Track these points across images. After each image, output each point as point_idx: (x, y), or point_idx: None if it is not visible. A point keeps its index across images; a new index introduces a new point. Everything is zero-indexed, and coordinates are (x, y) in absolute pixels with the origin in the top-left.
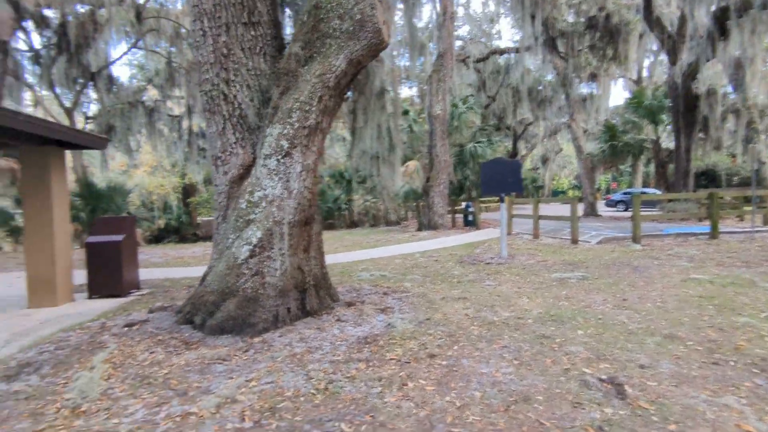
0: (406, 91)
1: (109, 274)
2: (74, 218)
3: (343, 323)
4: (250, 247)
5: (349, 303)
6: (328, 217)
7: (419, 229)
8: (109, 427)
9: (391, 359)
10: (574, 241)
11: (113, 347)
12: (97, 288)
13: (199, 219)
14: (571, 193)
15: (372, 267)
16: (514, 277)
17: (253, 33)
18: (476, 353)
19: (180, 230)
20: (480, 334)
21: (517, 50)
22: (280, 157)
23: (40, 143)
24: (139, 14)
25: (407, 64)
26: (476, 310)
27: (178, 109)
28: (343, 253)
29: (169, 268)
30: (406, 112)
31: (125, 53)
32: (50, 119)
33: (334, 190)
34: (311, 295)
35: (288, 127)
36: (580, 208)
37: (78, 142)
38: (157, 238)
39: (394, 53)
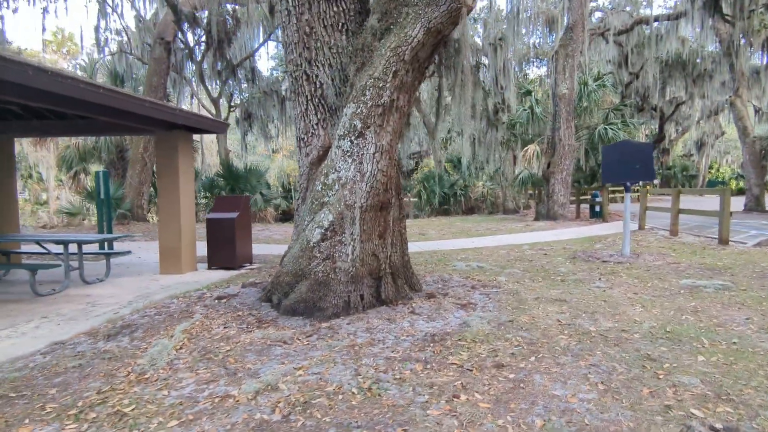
0: (534, 71)
1: (224, 247)
2: (215, 196)
3: (416, 316)
4: (322, 230)
5: (430, 294)
6: (444, 203)
7: (536, 219)
8: (158, 398)
9: (452, 364)
10: (723, 241)
11: (197, 318)
12: (215, 260)
13: None
14: (733, 183)
15: (472, 257)
16: (632, 280)
17: (335, 9)
18: (554, 369)
19: None
20: (567, 345)
21: (668, 17)
22: (353, 137)
23: (169, 128)
24: (272, 8)
25: (539, 40)
26: (572, 315)
27: None
28: (449, 240)
29: (285, 244)
30: (527, 92)
31: (260, 46)
32: (201, 110)
33: (452, 175)
34: (387, 284)
35: (361, 105)
36: (740, 202)
37: (200, 126)
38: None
39: (523, 30)
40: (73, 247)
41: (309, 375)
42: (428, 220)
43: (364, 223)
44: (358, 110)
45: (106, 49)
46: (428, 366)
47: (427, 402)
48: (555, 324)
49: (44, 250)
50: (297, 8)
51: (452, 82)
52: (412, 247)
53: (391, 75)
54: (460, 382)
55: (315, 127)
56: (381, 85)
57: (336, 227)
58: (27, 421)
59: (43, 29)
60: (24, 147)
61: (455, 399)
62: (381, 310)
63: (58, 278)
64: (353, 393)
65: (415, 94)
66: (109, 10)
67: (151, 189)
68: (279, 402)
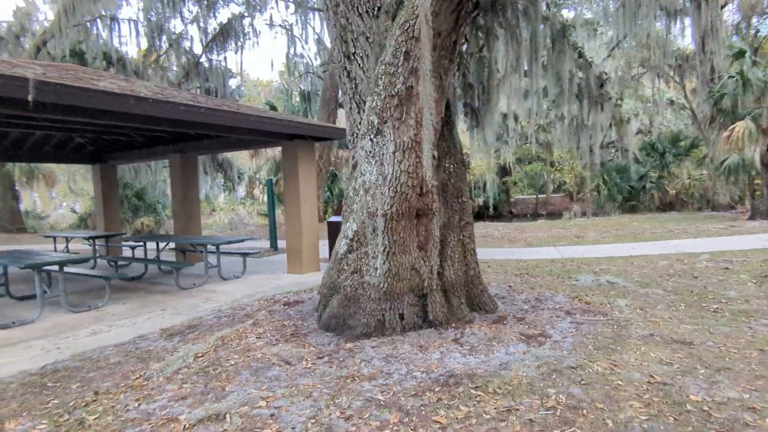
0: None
1: None
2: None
3: (457, 346)
4: (348, 241)
5: (499, 318)
6: (630, 198)
7: (751, 218)
8: (125, 410)
9: (436, 422)
10: None
11: (247, 324)
12: None
13: (514, 197)
14: None
15: (614, 268)
16: None
17: None
18: None
19: (498, 207)
20: (628, 420)
21: None
22: (372, 135)
23: (290, 138)
24: None
25: None
26: (681, 369)
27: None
28: (605, 245)
29: None
30: (739, 53)
31: None
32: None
33: (644, 165)
34: (434, 302)
35: (375, 97)
36: None
37: (317, 134)
38: (477, 215)
39: None
40: (228, 248)
41: (267, 408)
42: (603, 219)
43: (394, 233)
44: (374, 104)
45: (296, 72)
46: (406, 420)
47: None
48: (640, 380)
49: (198, 250)
50: (332, 0)
51: (516, 52)
52: (547, 253)
53: (402, 57)
54: None
55: (359, 126)
56: (392, 71)
57: (360, 237)
58: (24, 414)
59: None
60: (241, 158)
61: None
62: (423, 333)
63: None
64: None
65: (449, 77)
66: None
67: (327, 193)
68: None
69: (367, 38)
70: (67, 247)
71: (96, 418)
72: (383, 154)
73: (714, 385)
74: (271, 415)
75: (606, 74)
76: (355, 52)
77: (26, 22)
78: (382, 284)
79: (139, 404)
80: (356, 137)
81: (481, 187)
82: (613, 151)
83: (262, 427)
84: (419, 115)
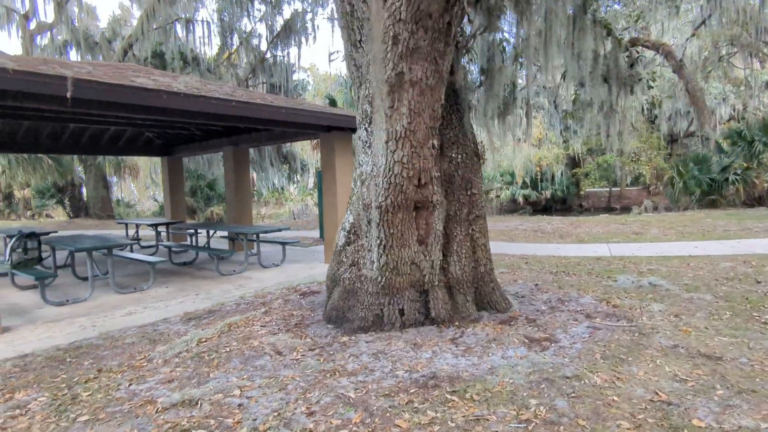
0: None
1: None
2: None
3: (452, 346)
4: (345, 233)
5: (509, 318)
6: (711, 192)
7: None
8: (117, 388)
9: (397, 426)
10: None
11: (257, 312)
12: None
13: (585, 190)
14: None
15: (663, 269)
16: None
17: None
18: None
19: (566, 200)
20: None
21: None
22: (366, 125)
23: (327, 130)
24: None
25: None
26: (696, 387)
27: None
28: (665, 243)
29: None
30: None
31: None
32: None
33: (728, 155)
34: (437, 299)
35: (367, 85)
36: None
37: (354, 126)
38: (544, 208)
39: None
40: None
41: (239, 398)
42: (674, 215)
43: (390, 225)
44: (366, 92)
45: None
46: (368, 420)
47: None
48: (640, 397)
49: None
50: None
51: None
52: (595, 250)
53: (390, 42)
54: None
55: (367, 118)
56: (381, 56)
57: (357, 230)
58: (35, 386)
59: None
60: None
61: None
62: (423, 330)
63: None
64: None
65: (446, 62)
66: None
67: None
68: (172, 423)
69: (370, 22)
70: (136, 232)
71: (89, 395)
72: (377, 143)
73: (727, 410)
74: (240, 405)
75: (638, 53)
76: (360, 40)
77: (118, 27)
78: (379, 278)
79: (130, 384)
80: (360, 129)
81: (549, 179)
82: (697, 140)
83: (227, 416)
84: (413, 103)
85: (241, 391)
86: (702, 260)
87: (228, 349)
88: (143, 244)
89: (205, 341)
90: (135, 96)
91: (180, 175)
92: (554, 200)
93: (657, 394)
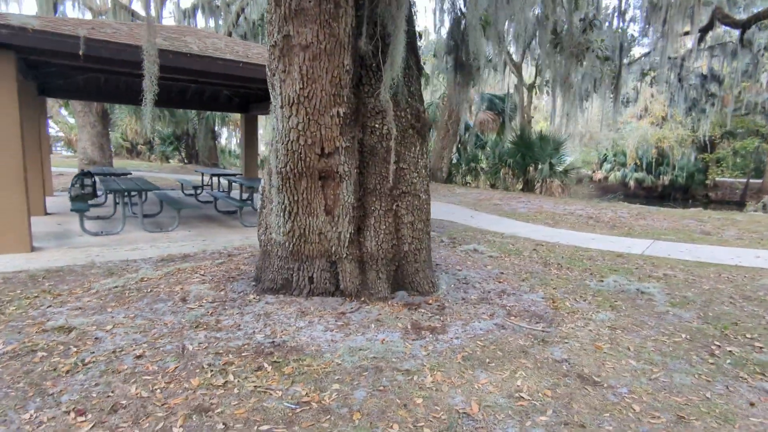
0: None
1: None
2: (504, 163)
3: (334, 320)
4: (260, 196)
5: (423, 302)
6: None
7: None
8: (45, 308)
9: (192, 382)
10: None
11: (213, 262)
12: None
13: (714, 178)
14: None
15: (680, 275)
16: None
17: None
18: None
19: (689, 189)
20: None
21: None
22: (270, 89)
23: None
24: None
25: None
26: (526, 405)
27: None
28: (722, 248)
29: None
30: None
31: None
32: (507, 76)
33: None
34: (344, 271)
35: (265, 50)
36: None
37: None
38: (661, 195)
39: None
40: None
41: (104, 332)
42: None
43: (295, 192)
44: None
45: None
46: (176, 373)
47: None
48: (451, 407)
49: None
50: None
51: None
52: (629, 246)
53: (273, 3)
54: (142, 403)
55: None
56: (269, 19)
57: (266, 194)
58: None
59: None
60: None
61: (78, 414)
62: (327, 301)
63: None
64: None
65: (343, 25)
66: None
67: (456, 155)
68: (33, 342)
69: None
70: (210, 181)
71: (14, 310)
72: (275, 108)
73: None
74: (96, 338)
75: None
76: None
77: None
78: (287, 244)
79: (49, 307)
80: None
81: (670, 163)
82: None
83: (77, 346)
84: (305, 68)
85: (113, 326)
86: (746, 273)
87: (150, 290)
88: (150, 187)
89: (145, 281)
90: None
91: (254, 132)
92: (674, 187)
93: (470, 406)
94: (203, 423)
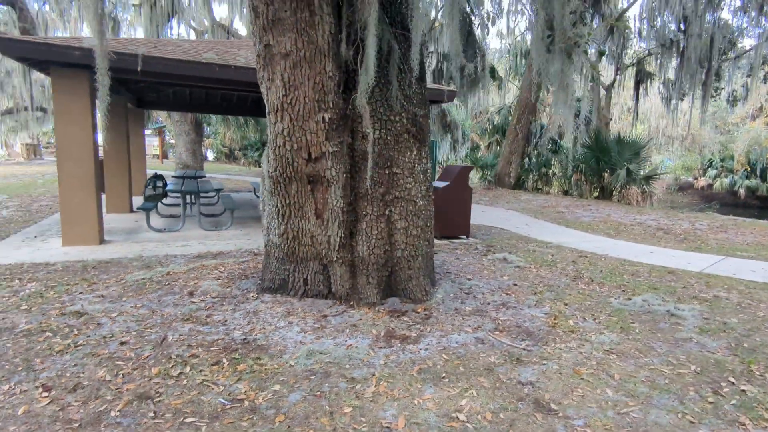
0: None
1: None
2: (576, 168)
3: (313, 322)
4: (261, 198)
5: (408, 310)
6: None
7: None
8: (76, 294)
9: (153, 371)
10: None
11: (238, 260)
12: None
13: None
14: None
15: (732, 298)
16: None
17: None
18: None
19: None
20: None
21: None
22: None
23: None
24: None
25: None
26: (456, 426)
27: None
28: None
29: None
30: None
31: None
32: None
33: None
34: (335, 275)
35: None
36: None
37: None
38: (761, 207)
39: None
40: None
41: (107, 319)
42: None
43: (286, 196)
44: None
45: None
46: (149, 362)
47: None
48: (360, 420)
49: None
50: None
51: None
52: (689, 262)
53: (252, 15)
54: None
55: None
56: (251, 29)
57: (265, 197)
58: (37, 281)
59: None
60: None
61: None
62: (318, 302)
63: None
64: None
65: (321, 32)
66: None
67: (526, 159)
68: (46, 323)
69: None
70: None
71: (52, 294)
72: (267, 115)
73: None
74: (98, 324)
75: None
76: None
77: None
78: (282, 245)
79: (80, 293)
80: None
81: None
82: None
83: (81, 329)
84: (286, 76)
85: (118, 314)
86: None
87: (168, 283)
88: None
89: (170, 275)
90: (174, 66)
91: None
92: None
93: (397, 421)
94: (138, 409)
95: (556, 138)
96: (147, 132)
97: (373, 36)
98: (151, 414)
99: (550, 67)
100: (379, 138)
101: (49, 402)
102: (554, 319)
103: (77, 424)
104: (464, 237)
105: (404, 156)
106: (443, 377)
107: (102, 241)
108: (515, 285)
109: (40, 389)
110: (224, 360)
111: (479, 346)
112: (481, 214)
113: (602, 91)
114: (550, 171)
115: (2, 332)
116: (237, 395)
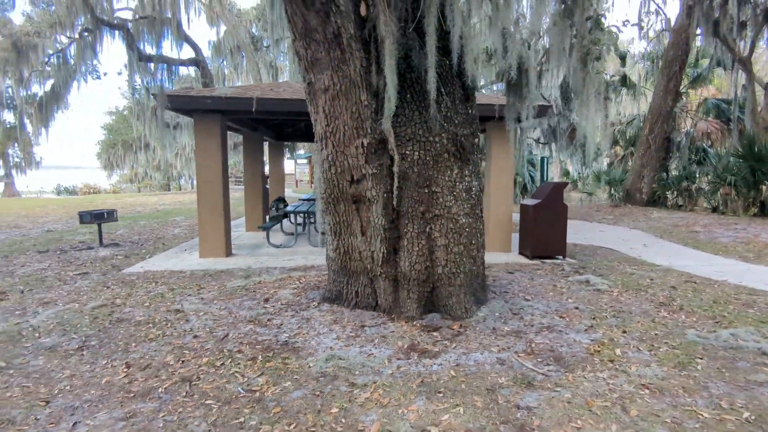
0: None
1: (523, 233)
2: (724, 181)
3: (350, 332)
4: (320, 215)
5: (444, 327)
6: None
7: None
8: (175, 299)
9: (205, 361)
10: None
11: (318, 273)
12: (521, 245)
13: None
14: None
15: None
16: None
17: None
18: None
19: None
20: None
21: None
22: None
23: (484, 120)
24: None
25: None
26: None
27: None
28: None
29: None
30: None
31: None
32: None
33: None
34: (380, 289)
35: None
36: None
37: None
38: None
39: None
40: None
41: (193, 316)
42: None
43: (337, 214)
44: None
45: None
46: (207, 352)
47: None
48: (337, 426)
49: None
50: None
51: None
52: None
53: (297, 59)
54: (162, 366)
55: None
56: (299, 71)
57: (323, 216)
58: (159, 285)
59: None
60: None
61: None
62: (365, 314)
63: None
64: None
65: (353, 67)
66: None
67: (663, 173)
68: (142, 316)
69: None
70: None
71: (170, 295)
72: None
73: None
74: (186, 320)
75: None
76: None
77: None
78: (336, 259)
79: (189, 296)
80: None
81: None
82: None
83: (173, 323)
84: (327, 108)
85: (204, 314)
86: None
87: (254, 291)
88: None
89: (260, 284)
90: (271, 104)
91: None
92: None
93: (372, 427)
94: (178, 389)
95: (707, 147)
96: (302, 161)
97: (392, 70)
98: (183, 393)
99: None
100: (418, 158)
101: (124, 376)
102: (598, 347)
103: (132, 395)
104: (560, 257)
105: (443, 175)
106: (439, 392)
107: (229, 254)
108: (577, 308)
109: (123, 366)
110: (259, 357)
111: (496, 366)
112: (597, 234)
113: (759, 89)
114: (694, 185)
115: (123, 322)
116: (253, 386)
